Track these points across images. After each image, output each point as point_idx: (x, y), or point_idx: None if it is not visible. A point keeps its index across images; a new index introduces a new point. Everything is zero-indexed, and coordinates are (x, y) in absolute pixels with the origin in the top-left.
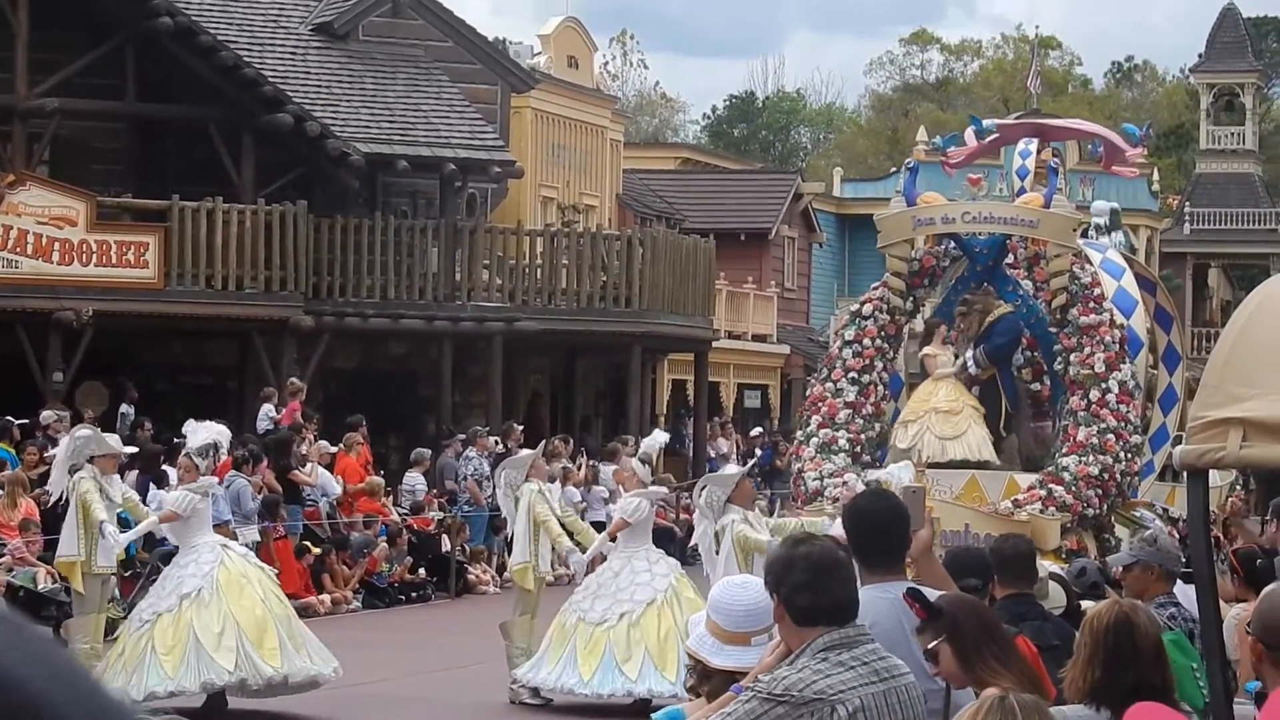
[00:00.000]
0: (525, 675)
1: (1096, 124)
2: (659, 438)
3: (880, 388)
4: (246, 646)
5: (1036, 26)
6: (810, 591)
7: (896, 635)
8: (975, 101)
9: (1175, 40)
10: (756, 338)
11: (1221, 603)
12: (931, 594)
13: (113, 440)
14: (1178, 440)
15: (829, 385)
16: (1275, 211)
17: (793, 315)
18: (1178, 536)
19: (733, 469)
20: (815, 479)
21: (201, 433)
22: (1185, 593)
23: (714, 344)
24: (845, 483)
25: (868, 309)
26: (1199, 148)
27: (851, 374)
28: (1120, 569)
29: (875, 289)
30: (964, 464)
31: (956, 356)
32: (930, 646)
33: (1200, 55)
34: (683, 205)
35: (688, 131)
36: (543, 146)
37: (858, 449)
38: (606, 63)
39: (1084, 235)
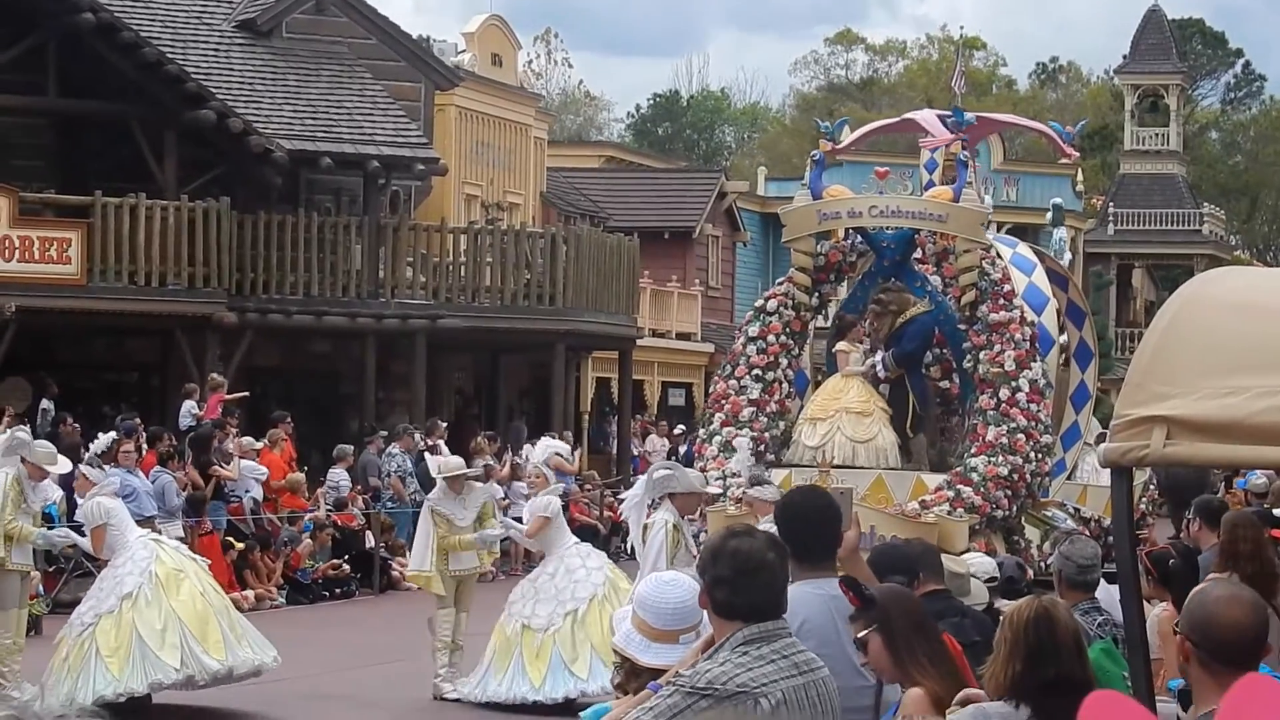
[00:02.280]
0: (472, 692)
1: (1035, 121)
2: (552, 444)
3: (785, 385)
4: (190, 642)
5: (961, 27)
6: (729, 588)
7: (829, 632)
8: (900, 101)
9: (1099, 41)
10: (681, 335)
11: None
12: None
13: (45, 452)
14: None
15: (732, 383)
16: (1199, 213)
17: (717, 314)
18: (1089, 535)
19: (693, 473)
20: (718, 478)
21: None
22: (1108, 594)
23: (638, 342)
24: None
25: (772, 305)
26: (1123, 148)
27: (755, 371)
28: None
29: (780, 284)
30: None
31: (867, 355)
32: (860, 635)
33: (1125, 56)
34: (607, 203)
35: (612, 130)
36: (467, 144)
37: (761, 448)
38: (531, 61)
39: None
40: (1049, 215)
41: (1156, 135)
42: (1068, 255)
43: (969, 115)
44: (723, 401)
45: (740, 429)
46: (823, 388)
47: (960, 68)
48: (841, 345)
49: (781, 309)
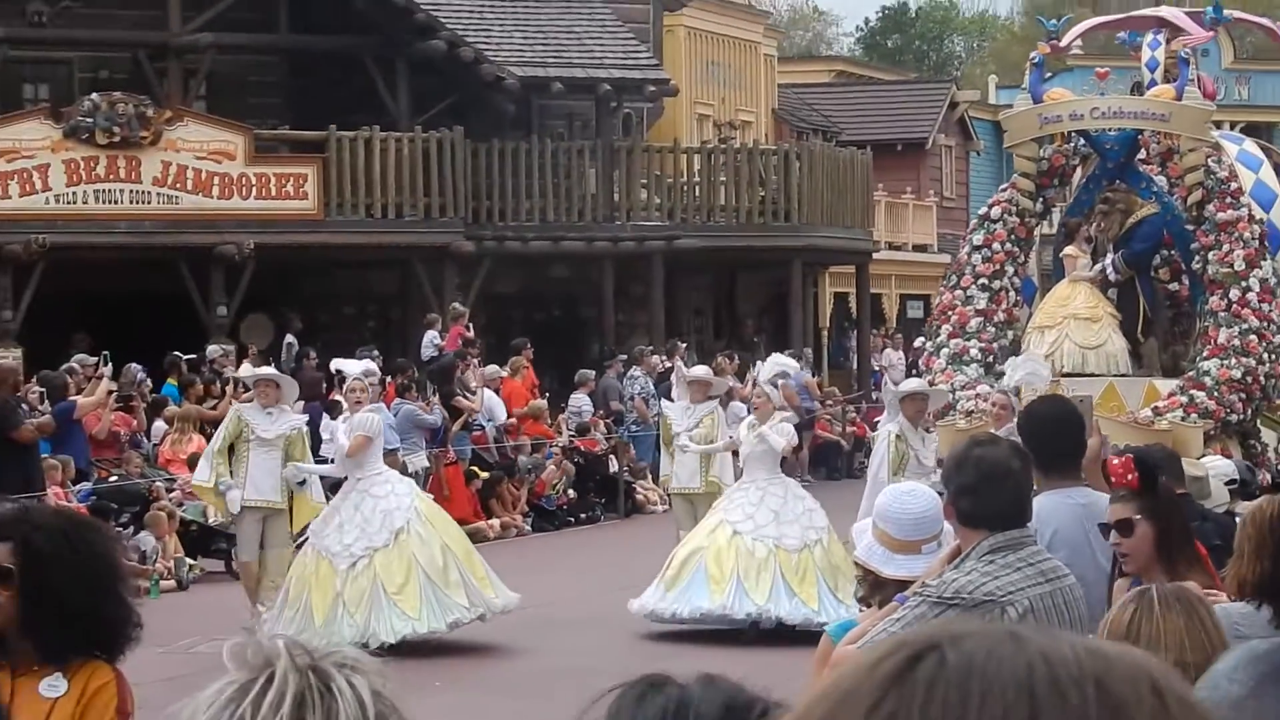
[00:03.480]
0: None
1: (1165, 8)
2: (783, 362)
3: (1012, 293)
4: (469, 577)
5: None
6: (973, 496)
7: (1079, 540)
8: (1128, 4)
9: None
10: (917, 248)
11: None
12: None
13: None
14: None
15: (958, 293)
16: None
17: (952, 224)
18: None
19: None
20: (947, 391)
21: (355, 366)
22: None
23: (874, 255)
24: (978, 394)
25: (996, 212)
26: None
27: (981, 280)
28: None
29: (1003, 190)
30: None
31: (1095, 259)
32: (1130, 518)
33: None
34: (838, 118)
35: (841, 44)
36: (697, 64)
37: (990, 359)
38: None
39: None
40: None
41: None
42: None
43: (1227, 11)
44: (949, 312)
45: (968, 339)
46: (1050, 294)
47: None
48: (1069, 250)
49: (1005, 216)
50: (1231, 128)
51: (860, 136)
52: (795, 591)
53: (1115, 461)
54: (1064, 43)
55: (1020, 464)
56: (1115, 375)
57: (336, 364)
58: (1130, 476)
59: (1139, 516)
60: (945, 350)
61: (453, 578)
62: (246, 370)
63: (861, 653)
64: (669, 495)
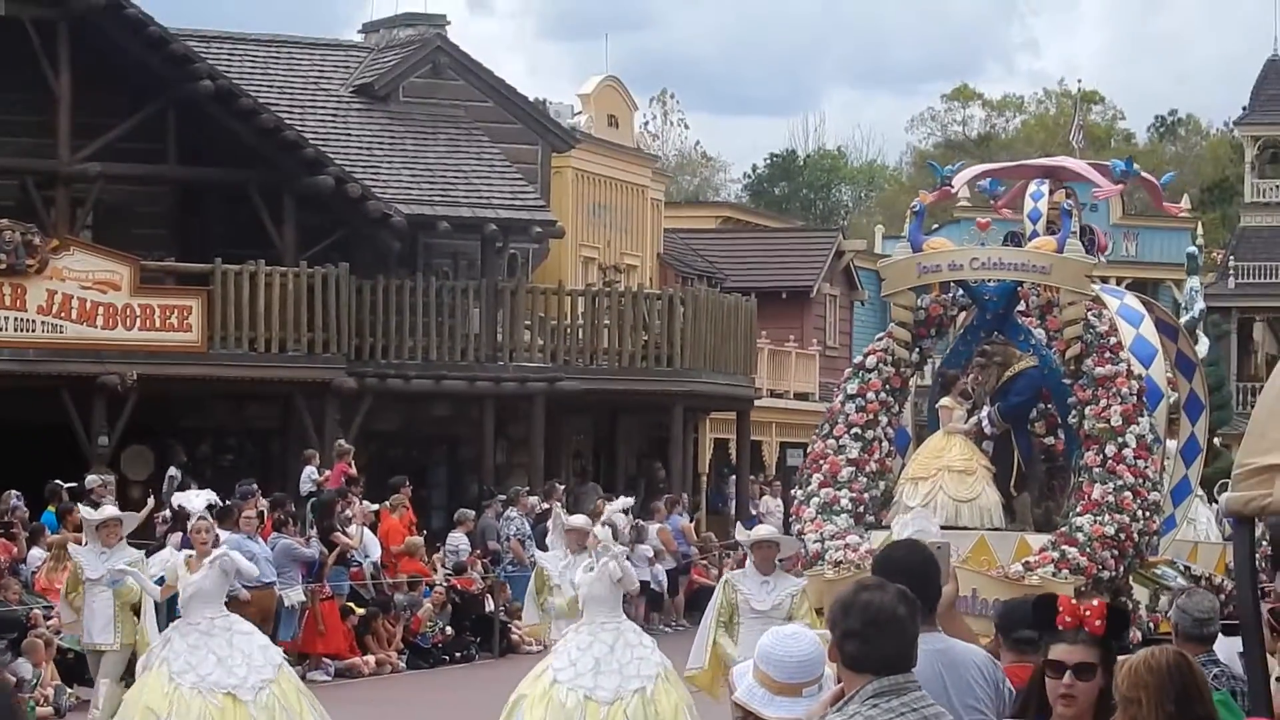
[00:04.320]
0: None
1: (1069, 159)
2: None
3: (885, 444)
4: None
5: (1079, 81)
6: (859, 641)
7: (935, 686)
8: (1018, 157)
9: (1219, 94)
10: (799, 395)
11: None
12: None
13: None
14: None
15: (830, 442)
16: None
17: (835, 373)
18: (1214, 590)
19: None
20: (816, 541)
21: (198, 501)
22: (1225, 647)
23: (756, 403)
24: (848, 544)
25: (871, 361)
26: (1243, 201)
27: (854, 429)
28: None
29: (879, 339)
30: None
31: (970, 412)
32: (1093, 664)
33: (1244, 109)
34: (724, 264)
35: (729, 190)
36: (584, 206)
37: (861, 509)
38: (647, 122)
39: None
40: (1185, 264)
41: (1277, 187)
42: (1201, 304)
43: (947, 168)
44: (821, 461)
45: (839, 489)
46: (924, 445)
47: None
48: (945, 401)
49: (881, 365)
50: (1119, 283)
51: (745, 283)
52: None
53: (1083, 605)
54: (955, 188)
55: (907, 610)
56: (988, 529)
57: (178, 499)
58: (1099, 622)
59: (1098, 665)
60: (815, 499)
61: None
62: (90, 514)
63: None
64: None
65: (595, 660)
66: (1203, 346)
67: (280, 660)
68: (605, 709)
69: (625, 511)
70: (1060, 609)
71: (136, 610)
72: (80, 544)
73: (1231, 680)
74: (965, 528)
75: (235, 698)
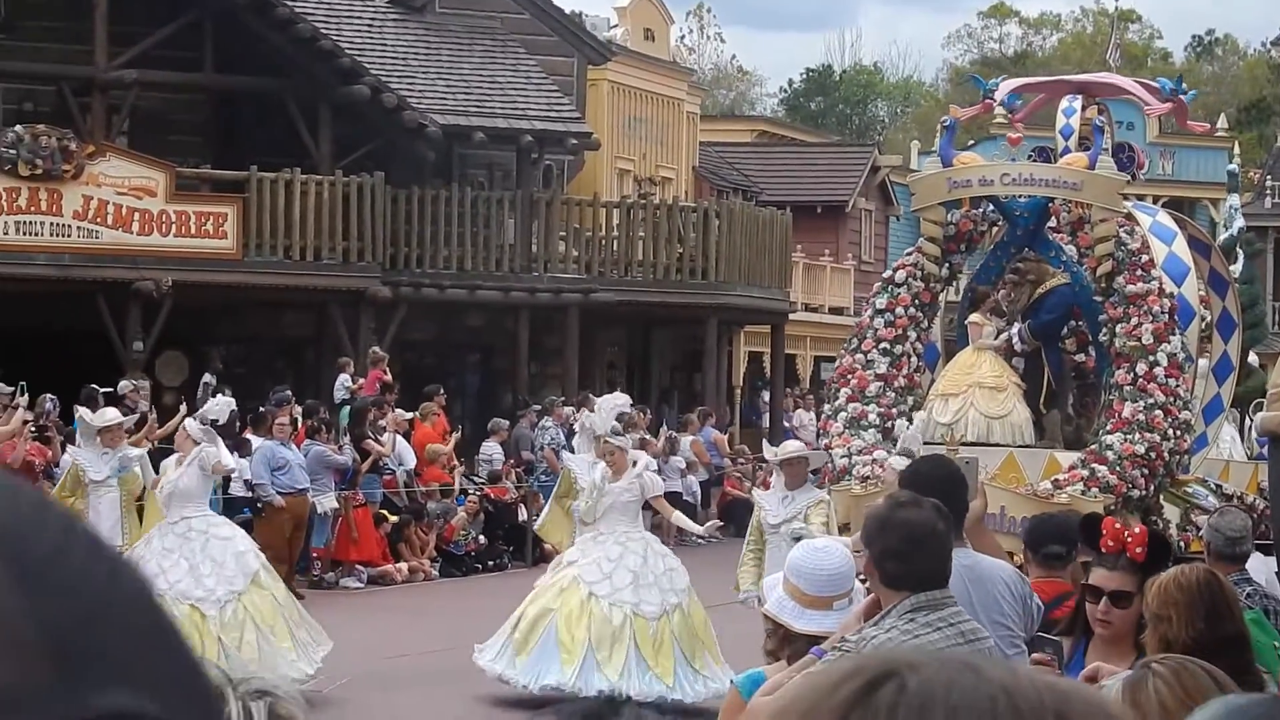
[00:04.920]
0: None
1: (1118, 76)
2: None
3: (914, 359)
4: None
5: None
6: (899, 560)
7: (962, 601)
8: (1055, 74)
9: (1257, 13)
10: (833, 310)
11: None
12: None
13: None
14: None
15: (859, 357)
16: None
17: (869, 288)
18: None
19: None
20: (843, 456)
21: (223, 408)
22: (1258, 565)
23: (790, 316)
24: (875, 460)
25: (901, 275)
26: None
27: (883, 344)
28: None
29: (909, 254)
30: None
31: (1001, 329)
32: (1130, 591)
33: None
34: (759, 178)
35: (764, 105)
36: (619, 118)
37: (888, 424)
38: (683, 36)
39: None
40: (1225, 181)
41: None
42: (1240, 221)
43: (991, 83)
44: (849, 376)
45: (867, 404)
46: (954, 362)
47: (1115, 40)
48: (974, 317)
49: (910, 280)
50: (1155, 201)
51: (780, 197)
52: (650, 665)
53: (1127, 531)
54: (997, 101)
55: (944, 526)
56: (1019, 446)
57: (204, 411)
58: (1140, 550)
59: (1136, 593)
60: (843, 414)
61: (297, 617)
62: (89, 416)
63: (815, 675)
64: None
65: (633, 574)
66: (1238, 265)
67: (256, 568)
68: (654, 625)
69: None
70: (1104, 532)
71: (141, 513)
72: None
73: (1264, 599)
74: (997, 444)
75: (200, 611)
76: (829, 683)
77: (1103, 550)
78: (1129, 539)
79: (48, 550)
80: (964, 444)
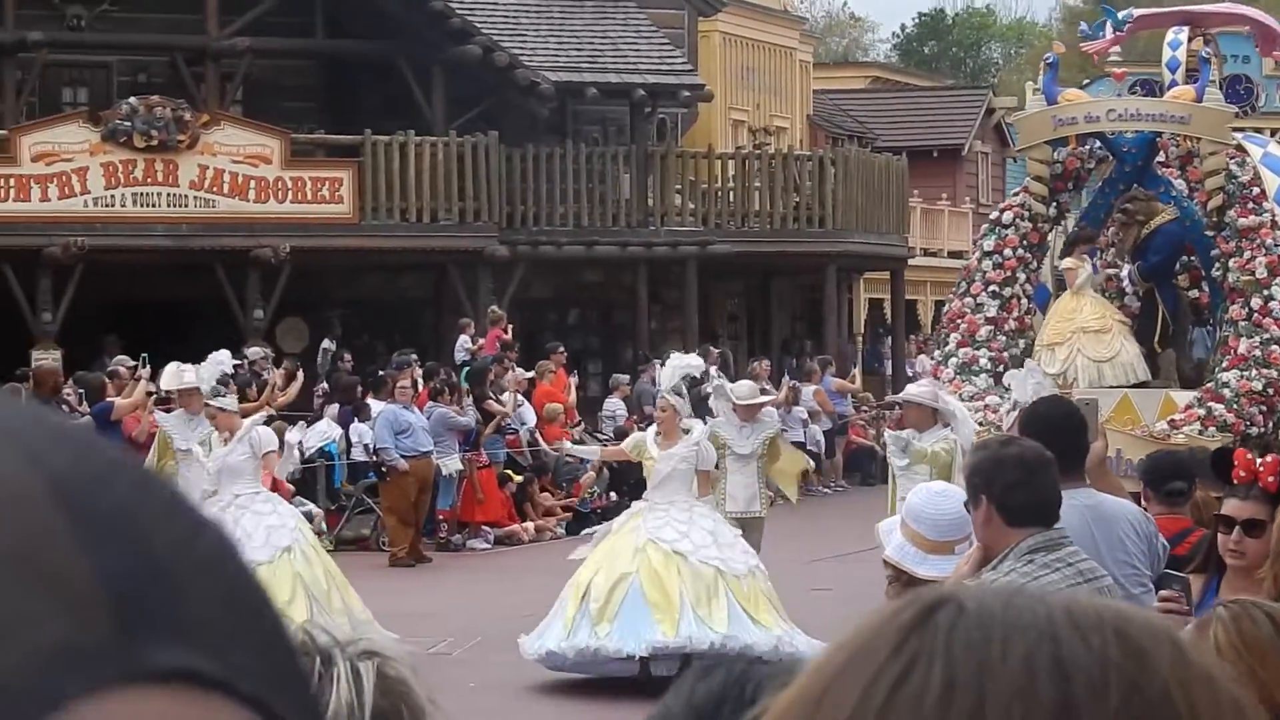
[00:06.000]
0: None
1: (1252, 8)
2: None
3: (1024, 301)
4: (353, 609)
5: None
6: (1026, 489)
7: (1085, 542)
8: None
9: None
10: (953, 254)
11: None
12: None
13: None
14: None
15: (968, 300)
16: None
17: None
18: None
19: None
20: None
21: (206, 369)
22: None
23: (910, 261)
24: (987, 405)
25: (1008, 217)
26: None
27: (992, 287)
28: None
29: (1016, 194)
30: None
31: (1111, 267)
32: (1262, 520)
33: None
34: (874, 124)
35: (878, 50)
36: (732, 69)
37: (1000, 368)
38: None
39: None
40: None
41: None
42: None
43: (1123, 13)
44: (958, 320)
45: (978, 348)
46: (1054, 309)
47: None
48: (1068, 262)
49: (1018, 221)
50: (1273, 135)
51: (896, 143)
52: (754, 619)
53: (1259, 461)
54: (1092, 51)
55: (1050, 456)
56: (1131, 386)
57: (165, 380)
58: (1272, 479)
59: (1268, 522)
60: (954, 359)
61: (336, 604)
62: (171, 380)
63: (877, 608)
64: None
65: (709, 533)
66: None
67: (289, 543)
68: (744, 583)
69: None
70: (1236, 462)
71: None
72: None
73: None
74: (1110, 386)
75: None
76: (889, 610)
77: (1234, 481)
78: (1261, 468)
79: (116, 503)
80: (1075, 390)
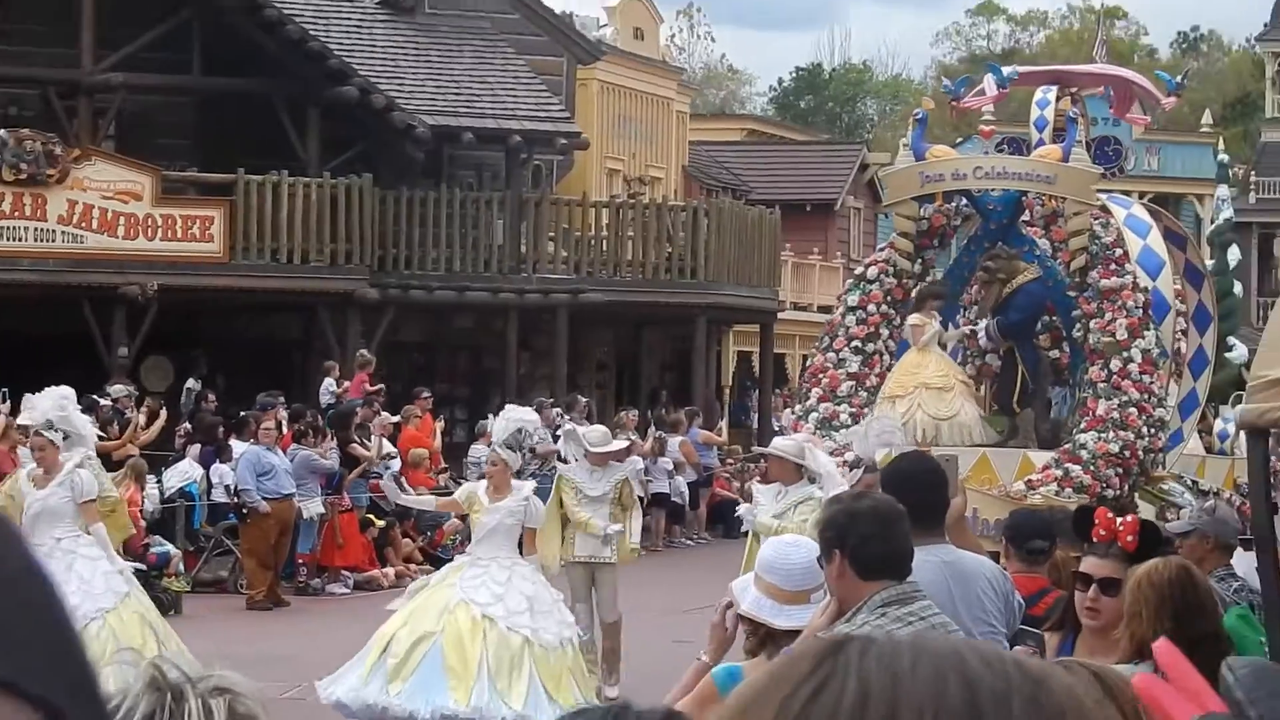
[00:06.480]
0: None
1: (1126, 69)
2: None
3: (886, 357)
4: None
5: None
6: (879, 543)
7: (943, 597)
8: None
9: (1241, 9)
10: (823, 309)
11: None
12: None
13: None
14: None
15: (830, 355)
16: None
17: None
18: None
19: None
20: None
21: (43, 403)
22: (1244, 563)
23: (780, 315)
24: (847, 461)
25: (873, 272)
26: (1264, 117)
27: (855, 342)
28: (1176, 537)
29: (881, 250)
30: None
31: (972, 325)
32: (1119, 579)
33: (1266, 24)
34: (749, 176)
35: (754, 104)
36: (609, 118)
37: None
38: (673, 36)
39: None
40: (1215, 173)
41: None
42: (1228, 212)
43: (1008, 70)
44: (820, 375)
45: (839, 404)
46: (899, 364)
47: (1101, 37)
48: (913, 319)
49: (882, 276)
50: (1141, 198)
51: (770, 196)
52: (552, 697)
53: (1119, 520)
54: (965, 106)
55: (902, 509)
56: (970, 446)
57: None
58: (1131, 538)
59: (1125, 581)
60: (814, 414)
61: (173, 647)
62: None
63: (774, 661)
64: (563, 562)
65: (527, 599)
66: (1234, 255)
67: (127, 589)
68: (553, 655)
69: (525, 431)
70: (1096, 521)
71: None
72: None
73: (1251, 594)
74: (947, 445)
75: None
76: (802, 646)
77: (1094, 539)
78: (1120, 527)
79: None
80: (926, 446)
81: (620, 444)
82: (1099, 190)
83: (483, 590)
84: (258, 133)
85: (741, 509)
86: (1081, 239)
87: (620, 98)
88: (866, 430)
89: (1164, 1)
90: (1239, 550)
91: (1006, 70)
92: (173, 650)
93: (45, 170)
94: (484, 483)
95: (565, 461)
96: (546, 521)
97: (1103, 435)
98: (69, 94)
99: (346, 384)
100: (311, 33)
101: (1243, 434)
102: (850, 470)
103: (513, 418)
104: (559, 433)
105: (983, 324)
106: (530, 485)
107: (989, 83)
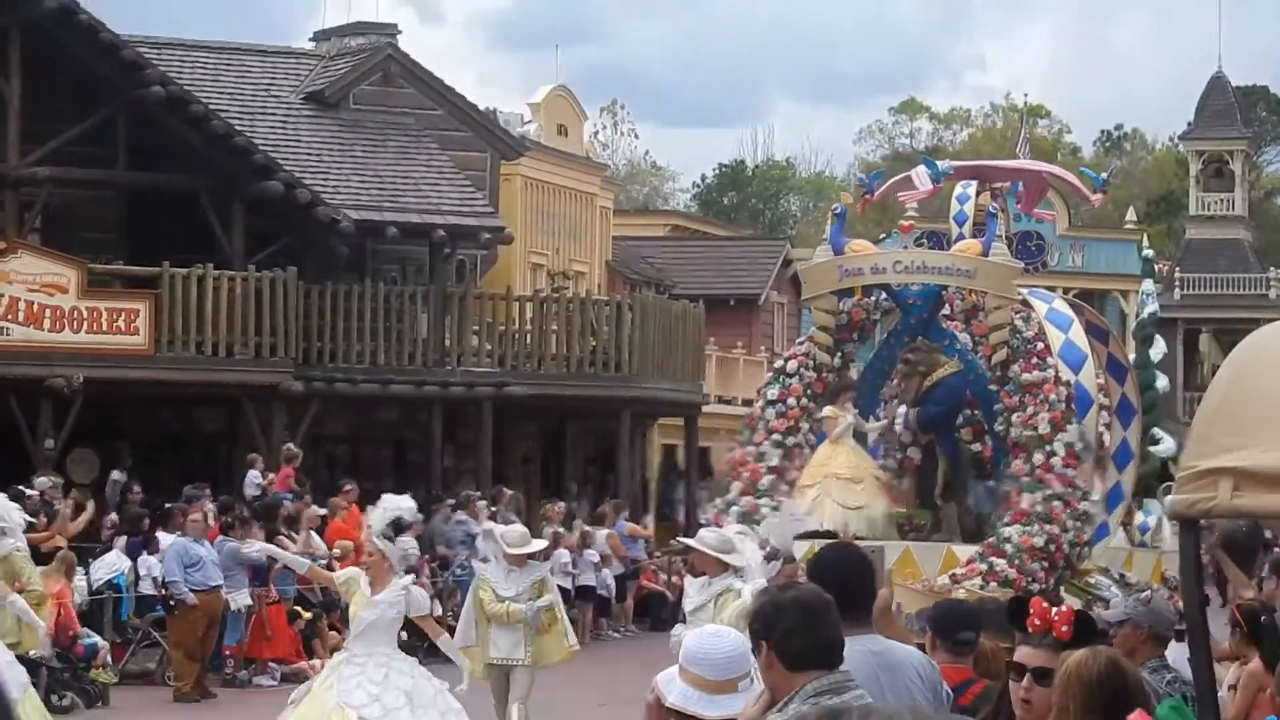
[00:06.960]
0: None
1: (1054, 166)
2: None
3: (806, 450)
4: None
5: (1025, 95)
6: (805, 634)
7: (872, 687)
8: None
9: (1164, 108)
10: (746, 402)
11: (1216, 663)
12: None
13: None
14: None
15: (751, 449)
16: (1265, 277)
17: None
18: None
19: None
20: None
21: None
22: (1177, 653)
23: (704, 409)
24: (765, 554)
25: (793, 365)
26: (1189, 214)
27: (775, 436)
28: (1112, 627)
29: (801, 344)
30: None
31: (875, 417)
32: (1053, 669)
33: (1189, 123)
34: (673, 271)
35: (678, 199)
36: (533, 213)
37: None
38: (596, 132)
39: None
40: (1140, 268)
41: (1222, 201)
42: (1152, 306)
43: (944, 165)
44: (740, 469)
45: (760, 497)
46: (814, 456)
47: (1025, 135)
48: (827, 411)
49: (802, 370)
50: (1065, 293)
51: (694, 290)
52: None
53: (1054, 610)
54: (877, 196)
55: (829, 598)
56: (875, 540)
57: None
58: (1065, 629)
59: (1058, 670)
60: (735, 508)
61: None
62: None
63: None
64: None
65: (405, 694)
66: (1158, 349)
67: (24, 681)
68: None
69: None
70: (1031, 611)
71: None
72: None
73: (1184, 685)
74: (857, 538)
75: None
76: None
77: (1029, 629)
78: (1055, 618)
79: None
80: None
81: (539, 544)
82: (1021, 285)
83: (359, 692)
84: (183, 226)
85: (676, 630)
86: (1002, 333)
87: (544, 193)
88: (781, 521)
89: (1087, 100)
90: (1172, 642)
91: (942, 165)
92: None
93: None
94: (365, 576)
95: (485, 561)
96: (471, 626)
97: (1027, 529)
98: None
99: (272, 476)
100: (237, 128)
101: (1165, 526)
102: (769, 563)
103: (389, 506)
104: (478, 532)
105: (901, 411)
106: (409, 578)
107: (922, 175)
